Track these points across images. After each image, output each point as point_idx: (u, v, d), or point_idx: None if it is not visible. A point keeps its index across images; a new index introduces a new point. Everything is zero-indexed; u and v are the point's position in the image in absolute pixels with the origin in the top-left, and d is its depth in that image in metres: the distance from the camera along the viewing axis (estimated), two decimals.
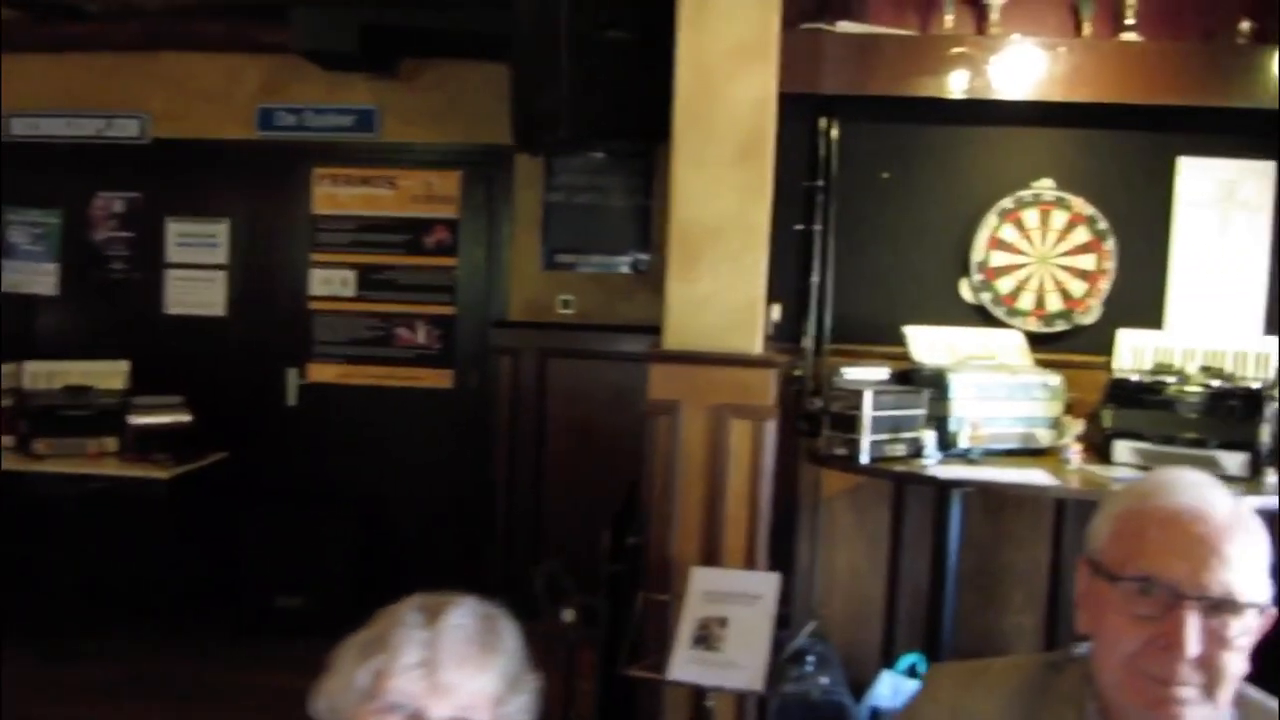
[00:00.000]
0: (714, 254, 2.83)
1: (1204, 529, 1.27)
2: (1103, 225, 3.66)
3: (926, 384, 3.37)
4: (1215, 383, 3.20)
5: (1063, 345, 3.72)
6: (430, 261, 5.09)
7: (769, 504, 2.92)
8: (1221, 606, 1.26)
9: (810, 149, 3.74)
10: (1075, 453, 3.17)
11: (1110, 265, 3.67)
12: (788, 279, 3.77)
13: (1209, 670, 1.25)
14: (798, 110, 3.73)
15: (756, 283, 2.83)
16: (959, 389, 3.32)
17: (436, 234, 5.08)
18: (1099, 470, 3.15)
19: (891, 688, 3.60)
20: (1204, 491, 1.32)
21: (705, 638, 2.60)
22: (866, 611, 3.81)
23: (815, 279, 3.73)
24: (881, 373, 3.34)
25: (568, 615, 2.64)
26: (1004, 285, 3.71)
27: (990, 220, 3.69)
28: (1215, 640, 1.26)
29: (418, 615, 1.25)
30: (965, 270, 3.72)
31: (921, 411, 3.28)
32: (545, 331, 4.93)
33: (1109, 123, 3.68)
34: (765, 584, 2.68)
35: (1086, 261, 3.68)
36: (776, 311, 3.76)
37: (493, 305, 5.09)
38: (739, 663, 2.54)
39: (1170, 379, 3.26)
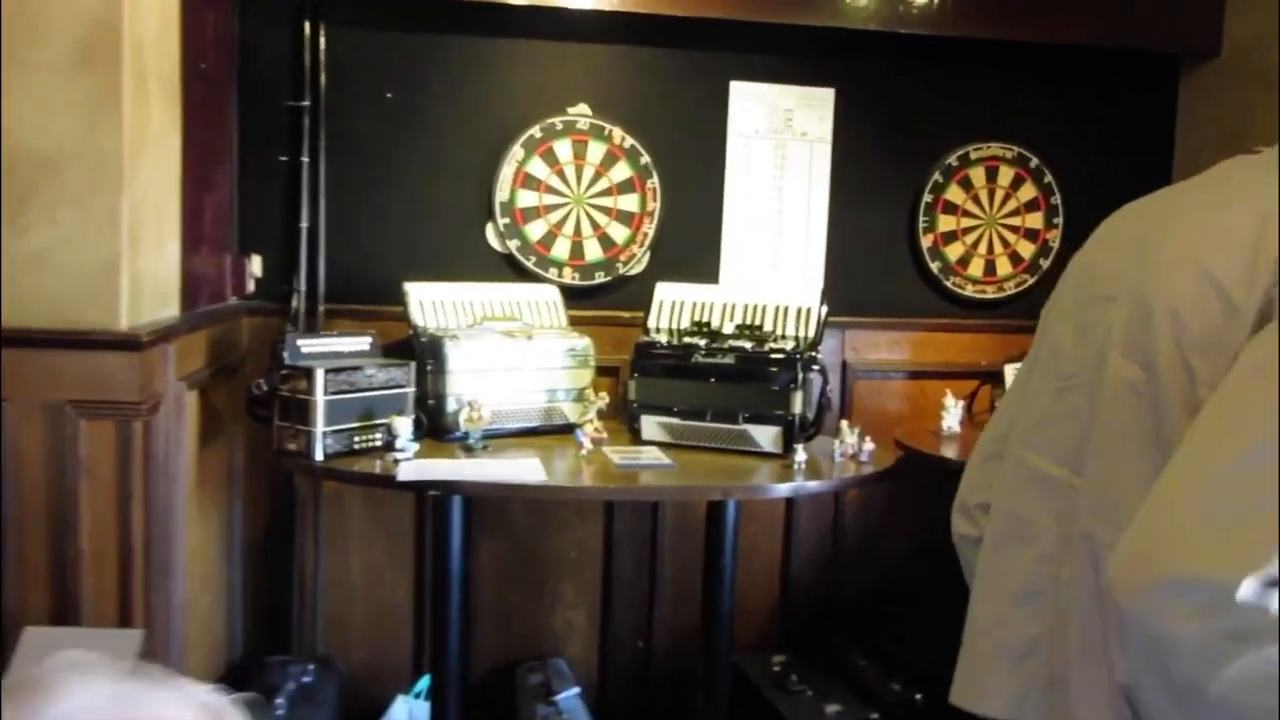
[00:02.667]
0: (50, 195, 2.04)
1: None
2: (646, 159, 3.14)
3: (427, 354, 2.76)
4: (747, 345, 2.76)
5: (606, 300, 3.21)
6: None
7: (167, 532, 2.21)
8: None
9: (294, 60, 2.98)
10: (587, 435, 2.63)
11: (656, 206, 3.16)
12: (271, 223, 3.03)
13: None
14: (273, 10, 2.97)
15: (115, 233, 2.07)
16: (458, 359, 2.71)
17: None
18: (616, 455, 2.63)
19: (407, 715, 3.02)
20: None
21: None
22: (391, 621, 3.19)
23: (305, 223, 3.01)
24: (358, 342, 2.68)
25: None
26: (534, 230, 3.13)
27: (516, 152, 3.08)
28: None
29: None
30: (491, 213, 3.11)
31: (406, 390, 2.66)
32: None
33: (655, 40, 3.14)
34: (122, 644, 1.98)
35: (630, 202, 3.16)
36: (257, 264, 3.03)
37: None
38: None
39: (700, 341, 2.79)
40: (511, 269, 3.14)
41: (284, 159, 2.99)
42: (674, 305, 2.94)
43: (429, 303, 2.85)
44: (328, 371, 2.46)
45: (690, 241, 3.22)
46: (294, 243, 3.01)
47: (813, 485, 2.59)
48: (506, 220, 3.09)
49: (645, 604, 3.33)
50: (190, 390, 2.47)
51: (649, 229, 3.16)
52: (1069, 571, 1.18)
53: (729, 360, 2.72)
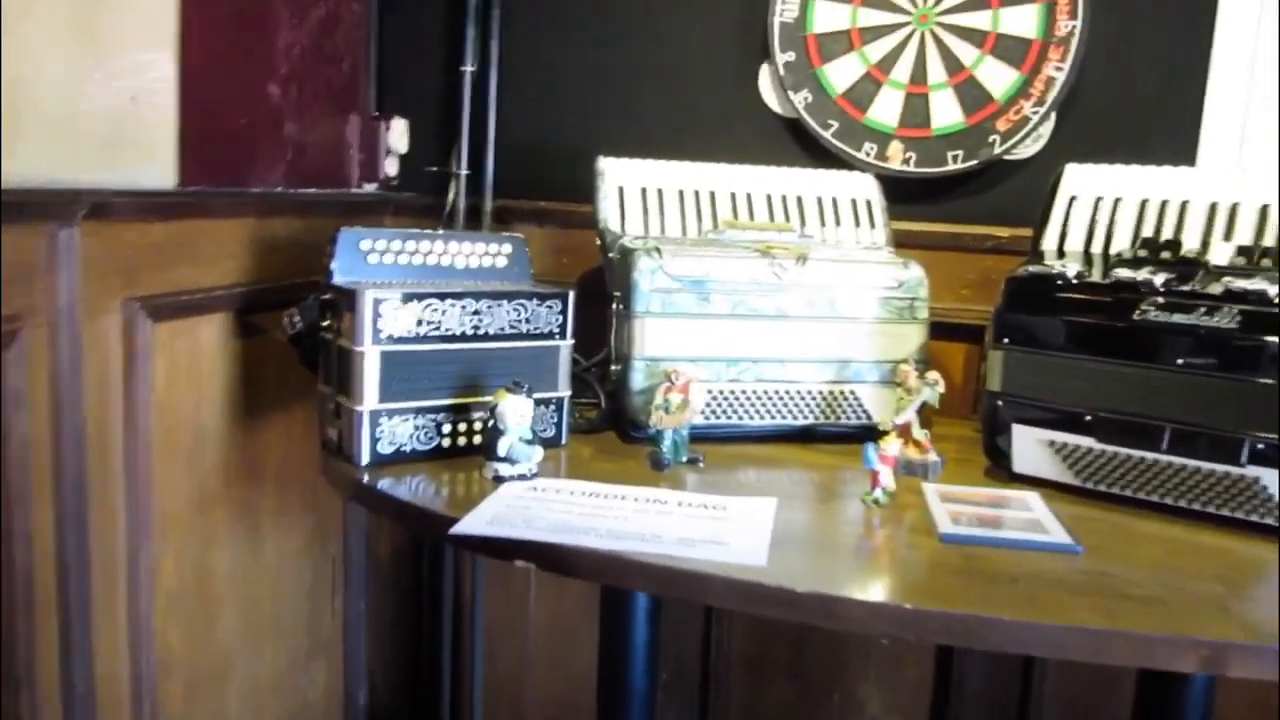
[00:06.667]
0: None
1: None
2: None
3: (616, 280, 1.54)
4: (1250, 287, 1.25)
5: (967, 204, 1.79)
6: None
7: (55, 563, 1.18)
8: None
9: None
10: (886, 458, 1.27)
11: (1075, 29, 1.69)
12: (421, 71, 1.94)
13: None
14: None
15: None
16: (654, 291, 1.46)
17: None
18: (948, 507, 1.26)
19: None
20: None
21: None
22: (587, 700, 2.03)
23: (470, 66, 1.88)
24: (488, 248, 1.49)
25: None
26: (840, 74, 1.77)
27: None
28: None
29: None
30: (766, 46, 1.80)
31: (557, 344, 1.44)
32: None
33: None
34: None
35: (1021, 20, 1.71)
36: (400, 134, 1.95)
37: None
38: None
39: (1154, 278, 1.32)
40: (798, 144, 1.82)
41: None
42: (1099, 207, 1.48)
43: (635, 190, 1.62)
44: (378, 299, 1.30)
45: (1138, 99, 1.72)
46: (454, 101, 1.89)
47: None
48: (791, 56, 1.77)
49: None
50: (165, 321, 1.43)
51: (1057, 72, 1.69)
52: None
53: (1224, 321, 1.23)
